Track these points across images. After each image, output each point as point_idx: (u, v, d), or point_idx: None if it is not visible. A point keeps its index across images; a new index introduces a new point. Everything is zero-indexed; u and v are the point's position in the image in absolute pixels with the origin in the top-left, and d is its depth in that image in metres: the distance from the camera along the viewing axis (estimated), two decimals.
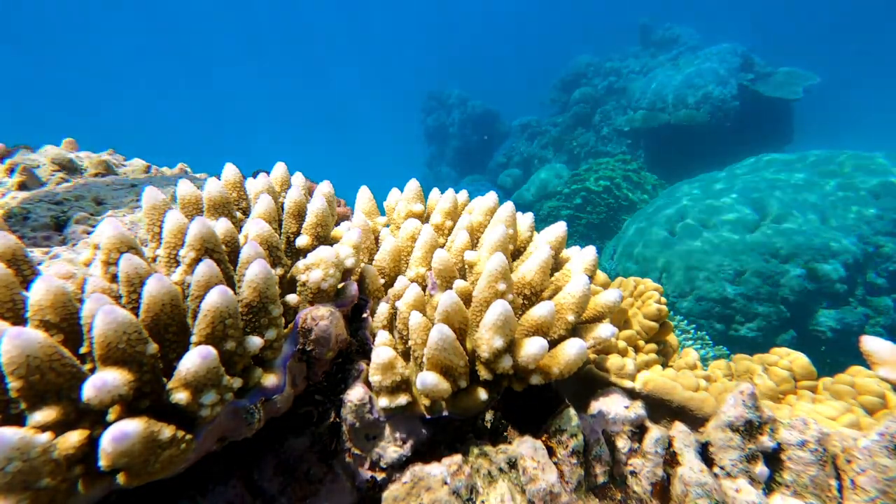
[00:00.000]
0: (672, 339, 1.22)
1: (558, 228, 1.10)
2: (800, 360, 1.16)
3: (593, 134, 10.60)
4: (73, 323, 0.72)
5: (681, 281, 4.53)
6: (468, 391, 0.89)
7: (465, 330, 0.95)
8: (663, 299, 1.29)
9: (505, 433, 0.89)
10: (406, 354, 0.97)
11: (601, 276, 1.31)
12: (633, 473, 0.86)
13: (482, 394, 0.89)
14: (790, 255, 4.21)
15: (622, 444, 0.85)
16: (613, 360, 1.07)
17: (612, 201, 7.42)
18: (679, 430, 0.89)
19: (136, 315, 0.72)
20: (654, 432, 0.85)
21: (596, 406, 0.92)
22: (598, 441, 0.82)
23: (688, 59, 9.75)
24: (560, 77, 12.21)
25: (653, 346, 1.21)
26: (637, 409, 0.88)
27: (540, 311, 0.88)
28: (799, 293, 4.07)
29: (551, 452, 0.83)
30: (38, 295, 0.69)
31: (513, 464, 0.82)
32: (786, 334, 4.10)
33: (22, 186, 1.16)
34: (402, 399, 0.89)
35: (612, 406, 0.89)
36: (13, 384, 0.60)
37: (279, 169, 1.23)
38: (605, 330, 0.95)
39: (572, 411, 0.86)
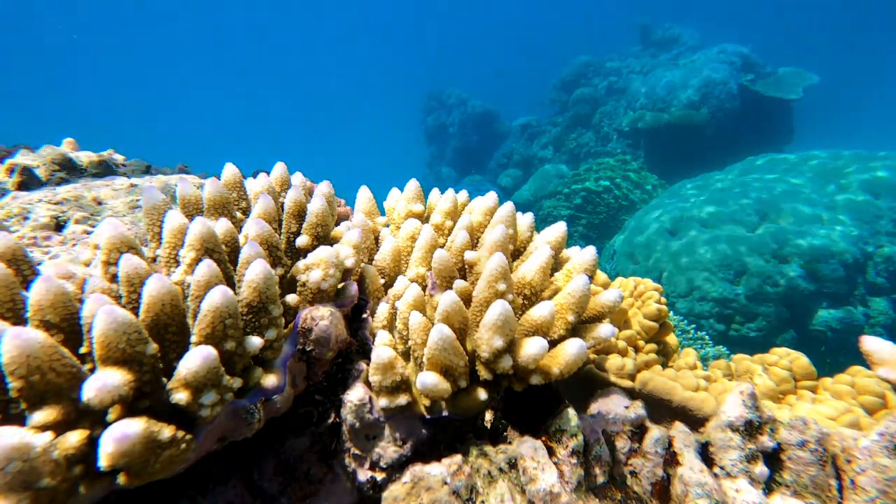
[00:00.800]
0: (672, 339, 1.22)
1: (558, 228, 1.10)
2: (800, 360, 1.16)
3: (593, 134, 10.60)
4: (73, 323, 0.72)
5: (681, 281, 4.53)
6: (468, 391, 0.89)
7: (465, 330, 0.95)
8: (663, 299, 1.29)
9: (505, 433, 0.89)
10: (406, 354, 0.97)
11: (601, 276, 1.31)
12: (633, 473, 0.86)
13: (482, 394, 0.89)
14: (790, 255, 4.21)
15: (622, 444, 0.85)
16: (613, 360, 1.07)
17: (612, 201, 7.42)
18: (679, 430, 0.89)
19: (136, 315, 0.72)
20: (654, 432, 0.85)
21: (596, 406, 0.92)
22: (598, 441, 0.82)
23: (688, 58, 9.75)
24: (560, 77, 12.21)
25: (653, 346, 1.21)
26: (637, 409, 0.88)
27: (540, 311, 0.88)
28: (799, 293, 4.07)
29: (551, 452, 0.83)
30: (38, 295, 0.69)
31: (513, 464, 0.82)
32: (786, 334, 4.10)
33: (22, 186, 1.16)
34: (402, 399, 0.89)
35: (612, 406, 0.89)
36: (13, 384, 0.60)
37: (279, 169, 1.23)
38: (605, 330, 0.95)
39: (572, 411, 0.86)
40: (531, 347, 0.85)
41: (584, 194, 7.53)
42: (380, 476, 0.87)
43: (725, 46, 9.35)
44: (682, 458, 0.85)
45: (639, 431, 0.88)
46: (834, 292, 4.05)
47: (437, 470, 0.79)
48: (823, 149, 5.42)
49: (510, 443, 0.85)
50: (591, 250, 1.03)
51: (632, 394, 0.98)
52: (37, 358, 0.59)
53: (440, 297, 0.91)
